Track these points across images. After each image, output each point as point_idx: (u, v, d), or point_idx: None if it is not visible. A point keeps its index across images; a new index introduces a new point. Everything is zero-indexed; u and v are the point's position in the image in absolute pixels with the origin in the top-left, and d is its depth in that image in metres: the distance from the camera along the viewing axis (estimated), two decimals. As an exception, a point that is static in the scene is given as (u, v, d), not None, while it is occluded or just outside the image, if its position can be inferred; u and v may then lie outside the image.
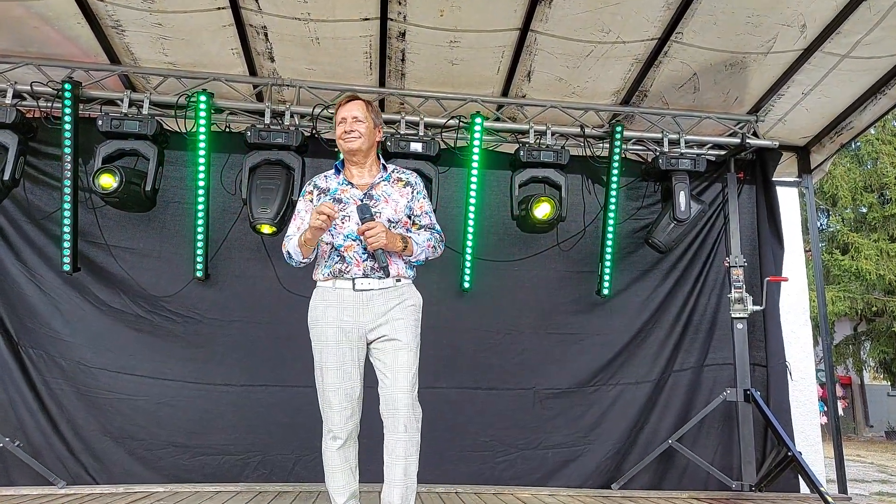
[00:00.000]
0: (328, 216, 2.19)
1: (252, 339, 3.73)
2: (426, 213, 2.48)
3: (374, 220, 2.26)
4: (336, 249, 2.31)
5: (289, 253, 2.40)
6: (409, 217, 2.43)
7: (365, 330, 2.29)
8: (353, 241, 2.29)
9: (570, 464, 3.79)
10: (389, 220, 2.33)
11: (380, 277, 2.28)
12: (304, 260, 2.37)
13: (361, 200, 2.32)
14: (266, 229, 3.55)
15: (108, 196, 3.42)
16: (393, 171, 2.47)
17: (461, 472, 3.64)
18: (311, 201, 2.42)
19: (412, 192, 2.44)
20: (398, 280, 2.33)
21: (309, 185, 2.48)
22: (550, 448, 3.79)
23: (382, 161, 2.50)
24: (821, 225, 13.98)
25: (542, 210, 3.66)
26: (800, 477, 3.57)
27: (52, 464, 3.38)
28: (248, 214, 3.54)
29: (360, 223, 2.25)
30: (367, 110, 2.40)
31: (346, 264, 2.29)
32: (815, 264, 4.36)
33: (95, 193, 3.46)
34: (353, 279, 2.28)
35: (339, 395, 2.24)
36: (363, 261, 2.29)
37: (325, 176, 2.48)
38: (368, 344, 2.32)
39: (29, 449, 3.34)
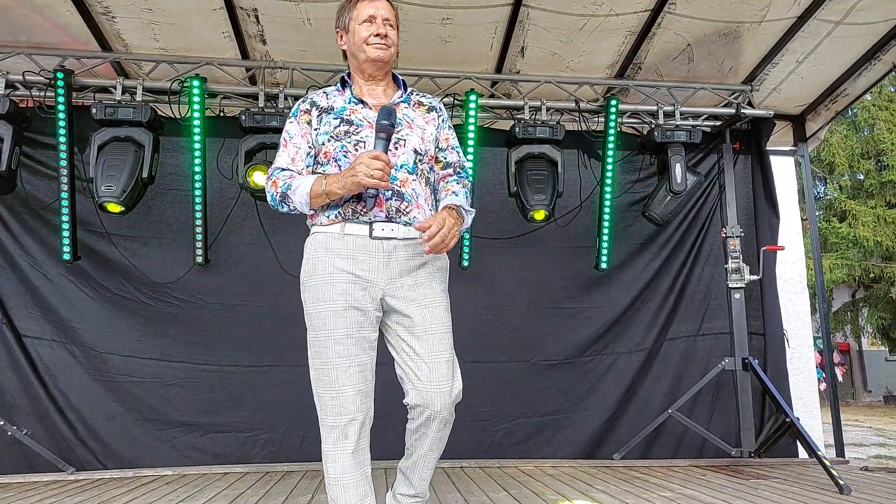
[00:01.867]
0: (383, 171, 1.63)
1: (255, 321, 3.78)
2: (453, 148, 1.95)
3: (394, 129, 1.73)
4: None
5: (284, 196, 1.77)
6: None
7: (381, 293, 1.75)
8: None
9: (565, 430, 3.88)
10: (416, 152, 1.81)
11: (405, 223, 1.76)
12: (308, 212, 1.80)
13: (379, 122, 1.72)
14: (259, 172, 3.50)
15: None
16: (412, 93, 1.96)
17: (464, 442, 3.70)
18: (309, 122, 1.85)
19: (438, 119, 1.93)
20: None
21: (304, 102, 1.89)
22: (546, 415, 3.89)
23: (401, 78, 1.97)
24: (818, 193, 13.98)
25: (538, 216, 3.78)
26: (798, 442, 3.64)
27: (60, 450, 3.44)
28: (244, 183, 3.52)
29: (381, 138, 1.69)
30: (396, 15, 1.90)
31: (362, 203, 1.74)
32: (812, 233, 4.38)
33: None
34: (372, 223, 1.74)
35: (352, 373, 1.68)
36: (386, 199, 1.74)
37: (325, 92, 1.90)
38: (384, 313, 1.80)
39: (37, 436, 3.39)
